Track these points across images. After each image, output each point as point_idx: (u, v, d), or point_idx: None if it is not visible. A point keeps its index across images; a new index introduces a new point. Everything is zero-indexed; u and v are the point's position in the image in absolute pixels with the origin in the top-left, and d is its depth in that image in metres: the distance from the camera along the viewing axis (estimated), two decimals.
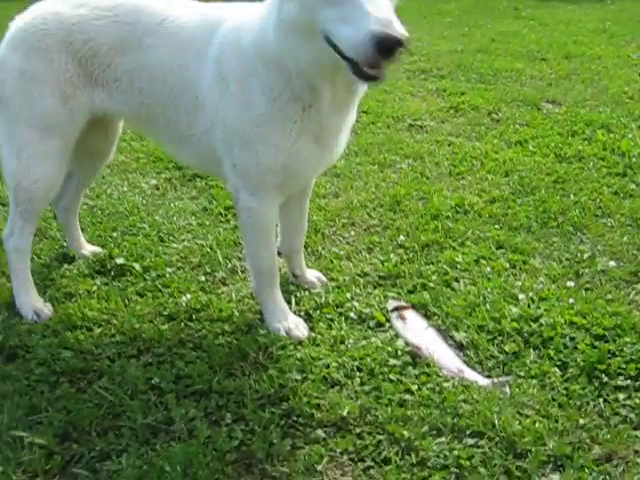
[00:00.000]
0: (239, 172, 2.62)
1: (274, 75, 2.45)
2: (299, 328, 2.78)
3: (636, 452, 2.20)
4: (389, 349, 2.64)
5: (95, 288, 3.13)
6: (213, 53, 2.57)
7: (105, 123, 3.01)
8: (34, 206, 2.92)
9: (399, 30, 2.01)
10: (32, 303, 2.98)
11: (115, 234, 3.63)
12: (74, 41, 2.72)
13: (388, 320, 2.84)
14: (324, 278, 3.13)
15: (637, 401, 2.39)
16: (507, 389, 2.44)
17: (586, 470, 2.11)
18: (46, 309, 2.98)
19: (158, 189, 4.22)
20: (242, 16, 2.59)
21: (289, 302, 2.93)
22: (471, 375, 2.52)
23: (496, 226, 3.61)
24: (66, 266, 3.35)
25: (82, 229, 3.63)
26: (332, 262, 3.28)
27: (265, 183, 2.61)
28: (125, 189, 4.24)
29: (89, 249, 3.44)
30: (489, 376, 2.53)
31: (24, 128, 2.79)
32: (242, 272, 3.24)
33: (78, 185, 3.36)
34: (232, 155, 2.60)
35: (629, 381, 2.48)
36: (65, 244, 3.51)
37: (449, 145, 4.80)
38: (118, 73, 2.74)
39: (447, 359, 2.59)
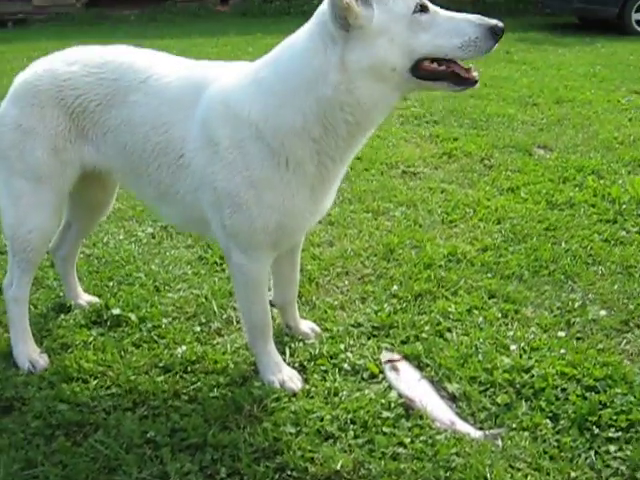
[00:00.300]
0: (230, 233, 2.64)
1: (281, 142, 2.47)
2: (293, 380, 2.80)
3: None
4: (382, 401, 2.67)
5: (91, 339, 3.16)
6: (200, 115, 2.61)
7: (102, 176, 3.05)
8: (30, 256, 2.96)
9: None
10: (29, 354, 3.01)
11: (111, 283, 3.67)
12: (65, 97, 2.80)
13: (381, 371, 2.87)
14: (318, 329, 3.16)
15: (628, 453, 2.41)
16: (499, 441, 2.47)
17: None
18: (42, 360, 3.00)
19: (154, 237, 4.27)
20: (230, 78, 2.63)
21: (283, 353, 2.96)
22: (463, 427, 2.55)
23: (488, 275, 3.65)
24: (63, 316, 3.38)
25: (79, 278, 3.66)
26: (326, 312, 3.32)
27: (258, 243, 2.63)
28: (122, 237, 4.28)
29: (86, 299, 3.47)
30: (481, 428, 2.56)
31: (19, 179, 2.86)
32: (237, 322, 3.27)
33: (77, 235, 3.41)
34: (222, 217, 2.62)
35: (620, 433, 2.50)
36: (62, 294, 3.54)
37: (442, 192, 4.86)
38: (105, 128, 2.80)
39: (440, 411, 2.62)
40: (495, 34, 2.34)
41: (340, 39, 2.31)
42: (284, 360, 2.92)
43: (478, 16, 2.38)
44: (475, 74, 2.44)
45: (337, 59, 2.33)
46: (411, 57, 2.34)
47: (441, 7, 2.42)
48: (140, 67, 2.78)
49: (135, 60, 2.81)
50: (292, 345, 3.05)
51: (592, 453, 2.42)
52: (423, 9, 2.34)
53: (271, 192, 2.53)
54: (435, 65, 2.37)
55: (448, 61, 2.38)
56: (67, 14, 17.10)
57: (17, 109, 2.84)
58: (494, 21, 2.35)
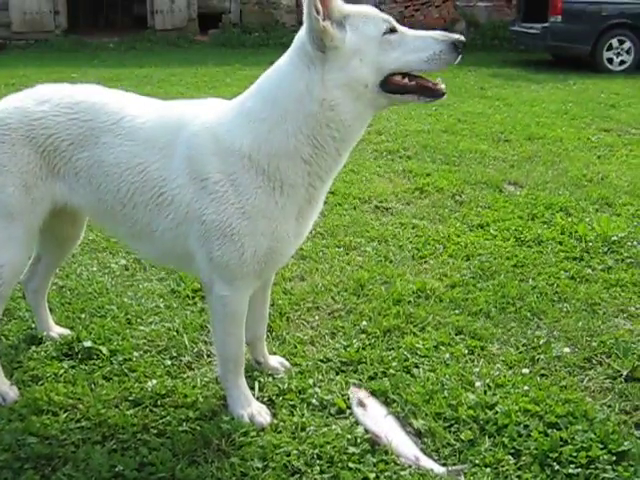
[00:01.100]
0: (218, 264, 2.68)
1: (276, 166, 2.58)
2: (262, 414, 2.84)
3: None
4: (349, 436, 2.72)
5: (62, 371, 3.18)
6: (182, 152, 2.67)
7: (73, 212, 3.08)
8: (1, 290, 2.96)
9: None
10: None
11: (83, 315, 3.69)
12: (36, 136, 2.83)
13: (349, 407, 2.91)
14: (287, 363, 3.21)
15: None
16: (462, 478, 2.52)
17: None
18: (12, 392, 3.02)
19: (127, 269, 4.30)
20: (212, 115, 2.70)
21: (252, 388, 3.00)
22: (427, 463, 2.60)
23: (456, 311, 3.72)
24: (34, 348, 3.40)
25: (51, 309, 3.69)
26: (296, 347, 3.37)
27: (246, 272, 2.69)
28: (95, 269, 4.31)
29: (57, 331, 3.49)
30: (445, 464, 2.60)
31: None
32: (208, 356, 3.31)
33: (47, 268, 3.44)
34: (210, 249, 2.66)
35: (580, 469, 2.56)
36: (34, 325, 3.56)
37: (413, 228, 4.94)
38: (77, 168, 2.84)
39: (404, 447, 2.67)
40: (457, 47, 2.53)
41: (318, 60, 2.48)
42: (253, 394, 2.96)
43: (442, 32, 2.57)
44: (442, 86, 2.60)
45: (319, 77, 2.48)
46: (381, 73, 2.51)
47: None
48: (112, 108, 2.84)
49: (107, 101, 2.87)
50: (261, 379, 3.10)
51: None
52: (392, 30, 2.52)
53: (264, 219, 2.61)
54: (406, 80, 2.55)
55: (416, 76, 2.57)
56: (46, 41, 17.16)
57: None
58: (456, 36, 2.55)
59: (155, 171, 2.72)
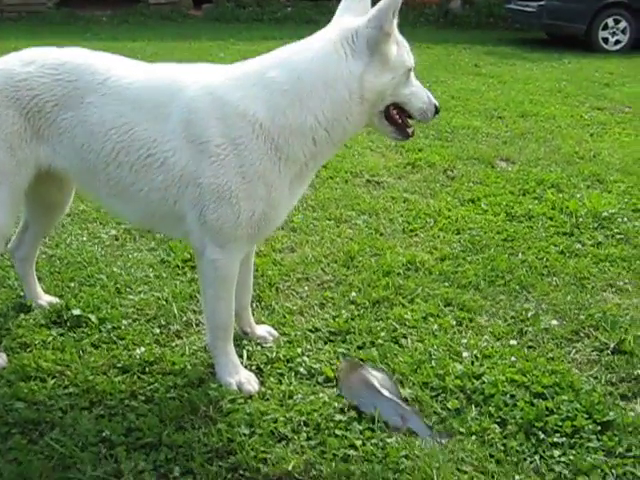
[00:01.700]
0: (211, 227, 2.69)
1: (286, 140, 2.62)
2: (250, 382, 2.85)
3: None
4: (336, 404, 2.73)
5: (51, 339, 3.18)
6: (179, 115, 2.67)
7: (58, 176, 3.07)
8: None
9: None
10: None
11: (73, 284, 3.68)
12: (21, 97, 2.82)
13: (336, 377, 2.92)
14: (275, 332, 3.21)
15: (571, 458, 2.49)
16: (444, 441, 2.54)
17: None
18: (0, 359, 3.02)
19: (117, 240, 4.29)
20: (215, 81, 2.71)
21: (241, 356, 3.01)
22: (414, 424, 2.62)
23: (445, 283, 3.73)
24: (23, 316, 3.39)
25: (40, 278, 3.69)
26: (285, 317, 3.37)
27: (239, 235, 2.71)
28: (85, 239, 4.30)
29: (46, 299, 3.49)
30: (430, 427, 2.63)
31: None
32: (196, 325, 3.31)
33: (35, 236, 3.43)
34: (203, 212, 2.68)
35: (564, 438, 2.58)
36: (22, 293, 3.56)
37: (404, 202, 4.94)
38: (62, 129, 2.83)
39: (389, 410, 2.68)
40: (436, 112, 2.82)
41: (364, 56, 2.58)
42: (241, 363, 2.96)
43: (430, 94, 2.79)
44: (412, 129, 2.85)
45: (359, 73, 2.58)
46: (394, 98, 2.70)
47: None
48: (98, 69, 2.83)
49: (93, 62, 2.86)
50: (249, 348, 3.10)
51: (537, 457, 2.50)
52: (412, 69, 2.73)
53: (263, 185, 2.64)
54: (397, 115, 2.75)
55: (404, 116, 2.78)
56: (38, 13, 17.00)
57: None
58: (436, 102, 2.81)
59: (143, 132, 2.71)
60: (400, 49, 2.65)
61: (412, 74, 2.73)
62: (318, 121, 2.60)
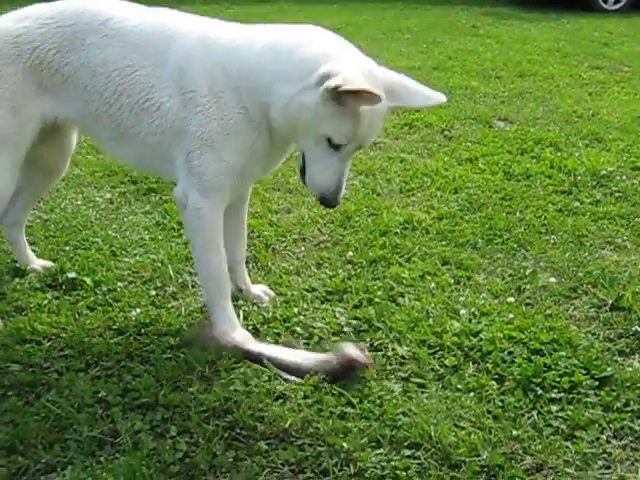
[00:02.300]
0: (196, 173, 2.71)
1: (260, 110, 2.63)
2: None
3: (566, 462, 2.28)
4: None
5: (46, 302, 3.15)
6: (174, 63, 2.68)
7: (59, 136, 3.07)
8: None
9: (339, 198, 2.69)
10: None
11: (68, 248, 3.66)
12: (21, 52, 2.79)
13: (334, 334, 2.91)
14: (272, 292, 3.19)
15: (569, 413, 2.48)
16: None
17: None
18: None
19: (112, 203, 4.26)
20: (212, 34, 2.72)
21: (238, 316, 2.99)
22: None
23: (443, 242, 3.70)
24: (17, 280, 3.37)
25: (35, 242, 3.67)
26: (281, 277, 3.35)
27: (220, 184, 2.73)
28: (79, 203, 4.26)
29: (39, 263, 3.46)
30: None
31: None
32: (192, 287, 3.29)
33: (27, 200, 3.39)
34: (190, 157, 2.70)
35: (562, 394, 2.57)
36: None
37: (401, 162, 4.90)
38: (65, 76, 2.81)
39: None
40: (321, 202, 2.72)
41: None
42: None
43: (334, 188, 2.65)
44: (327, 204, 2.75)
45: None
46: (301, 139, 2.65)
47: None
48: (97, 11, 2.81)
49: (90, 6, 2.84)
50: (246, 308, 3.08)
51: (535, 413, 2.49)
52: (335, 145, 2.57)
53: (241, 138, 2.66)
54: None
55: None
56: None
57: None
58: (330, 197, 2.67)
59: (144, 76, 2.72)
60: (345, 120, 2.47)
61: (337, 152, 2.55)
62: (285, 107, 2.55)
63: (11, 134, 2.83)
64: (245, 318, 3.02)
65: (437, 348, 2.83)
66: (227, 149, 2.67)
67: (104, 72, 2.76)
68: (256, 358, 2.73)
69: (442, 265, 3.48)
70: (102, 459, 2.27)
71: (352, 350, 2.65)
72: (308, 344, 2.86)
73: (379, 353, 2.81)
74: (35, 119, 2.86)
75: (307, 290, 3.24)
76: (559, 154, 5.06)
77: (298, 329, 2.94)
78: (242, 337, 2.84)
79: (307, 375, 2.61)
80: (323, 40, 2.61)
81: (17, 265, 3.47)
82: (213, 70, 2.64)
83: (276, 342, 2.87)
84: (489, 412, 2.48)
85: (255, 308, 3.09)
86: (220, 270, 2.87)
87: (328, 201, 2.67)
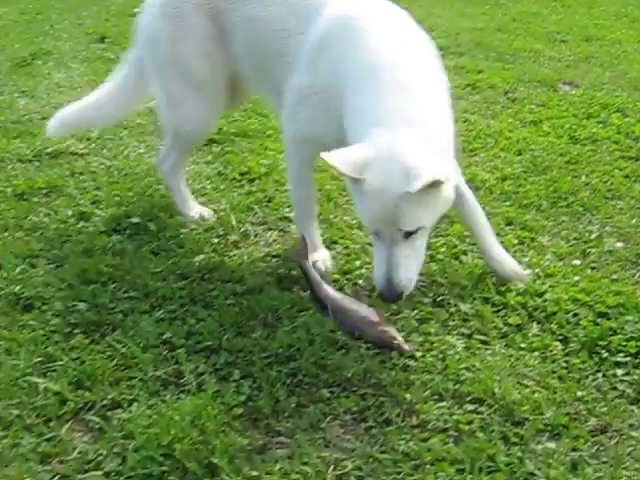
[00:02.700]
0: None
1: None
2: (325, 262, 2.97)
3: (630, 425, 2.26)
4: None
5: (110, 245, 3.20)
6: (319, 30, 2.81)
7: (238, 83, 3.30)
8: (190, 146, 3.52)
9: (402, 284, 2.44)
10: (196, 209, 3.44)
11: (131, 194, 3.69)
12: (205, 3, 3.02)
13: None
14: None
15: (635, 377, 2.44)
16: None
17: (581, 440, 2.18)
18: (206, 212, 3.44)
19: None
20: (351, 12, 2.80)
21: None
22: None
23: (506, 203, 3.65)
24: (82, 223, 3.42)
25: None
26: (343, 230, 3.34)
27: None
28: (142, 151, 4.29)
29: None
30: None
31: (179, 86, 3.21)
32: (254, 236, 3.31)
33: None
34: None
35: (628, 358, 2.53)
36: (82, 202, 3.58)
37: (464, 122, 4.82)
38: (237, 27, 3.02)
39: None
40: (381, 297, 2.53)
41: None
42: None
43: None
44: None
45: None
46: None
47: None
48: None
49: None
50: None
51: (599, 375, 2.45)
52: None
53: None
54: None
55: None
56: None
57: (167, 23, 3.13)
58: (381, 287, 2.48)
59: (294, 42, 2.88)
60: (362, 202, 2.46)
61: (379, 240, 2.47)
62: None
63: (208, 77, 3.12)
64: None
65: (501, 306, 2.80)
66: None
67: (269, 28, 2.94)
68: (321, 298, 2.75)
69: (506, 225, 3.43)
70: (167, 398, 2.30)
71: (395, 332, 2.61)
72: (370, 297, 2.85)
73: (441, 309, 2.79)
74: (223, 67, 3.11)
75: (369, 244, 3.21)
76: (626, 119, 4.92)
77: (360, 282, 2.94)
78: (321, 255, 3.00)
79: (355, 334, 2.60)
80: None
81: (81, 209, 3.52)
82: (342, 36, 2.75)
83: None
84: (553, 372, 2.46)
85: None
86: (299, 199, 3.10)
87: (383, 295, 2.48)
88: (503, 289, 2.88)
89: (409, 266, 2.43)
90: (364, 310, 2.66)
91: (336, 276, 2.98)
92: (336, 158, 2.35)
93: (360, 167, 2.36)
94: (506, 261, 2.97)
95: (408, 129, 2.40)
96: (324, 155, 2.35)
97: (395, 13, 2.82)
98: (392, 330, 2.58)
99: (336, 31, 2.75)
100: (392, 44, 2.65)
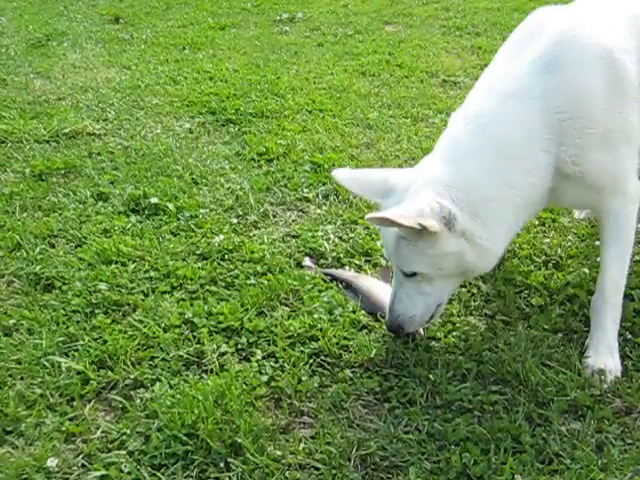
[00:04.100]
0: None
1: None
2: None
3: None
4: None
5: (130, 225, 3.20)
6: None
7: None
8: None
9: (400, 318, 2.36)
10: None
11: (149, 174, 3.69)
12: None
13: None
14: None
15: None
16: None
17: (606, 421, 2.16)
18: None
19: (192, 132, 4.26)
20: None
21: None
22: None
23: None
24: (101, 203, 3.42)
25: (117, 168, 3.70)
26: (363, 211, 3.31)
27: None
28: (159, 131, 4.28)
29: None
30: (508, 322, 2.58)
31: None
32: (273, 217, 3.29)
33: None
34: None
35: None
36: (100, 182, 3.58)
37: None
38: None
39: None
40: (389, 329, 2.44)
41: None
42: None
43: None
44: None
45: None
46: None
47: None
48: None
49: None
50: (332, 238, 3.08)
51: (624, 357, 2.43)
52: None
53: None
54: None
55: None
56: None
57: None
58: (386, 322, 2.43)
59: None
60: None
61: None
62: None
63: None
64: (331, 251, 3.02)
65: (523, 287, 2.78)
66: None
67: None
68: (344, 281, 2.75)
69: None
70: (189, 378, 2.30)
71: None
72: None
73: (463, 289, 2.77)
74: None
75: None
76: None
77: (382, 261, 2.92)
78: None
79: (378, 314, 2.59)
80: None
81: (100, 189, 3.52)
82: None
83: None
84: (577, 353, 2.44)
85: (337, 240, 3.07)
86: None
87: (387, 324, 2.43)
88: (525, 270, 2.86)
89: (411, 303, 2.34)
90: (387, 290, 2.65)
91: (357, 256, 2.96)
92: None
93: (382, 193, 2.30)
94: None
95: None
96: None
97: None
98: None
99: None
100: None
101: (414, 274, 2.29)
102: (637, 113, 2.37)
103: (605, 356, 2.41)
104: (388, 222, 2.12)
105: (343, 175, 2.36)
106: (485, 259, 2.29)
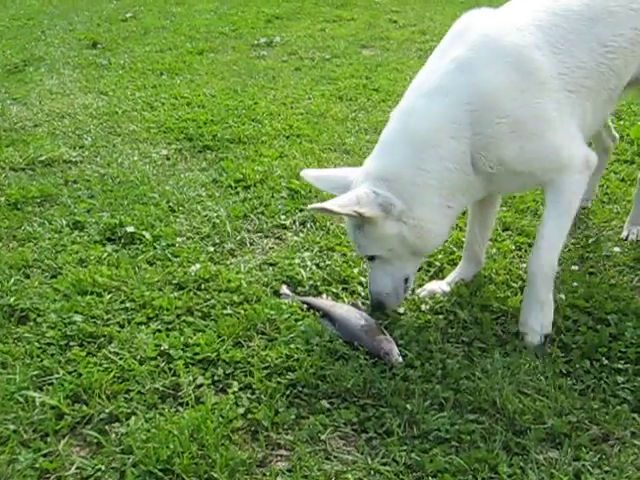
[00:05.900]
0: None
1: None
2: None
3: (633, 433, 2.24)
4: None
5: (105, 255, 3.18)
6: None
7: None
8: None
9: (375, 296, 2.74)
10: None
11: (125, 202, 3.67)
12: None
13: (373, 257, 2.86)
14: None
15: (636, 384, 2.42)
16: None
17: (583, 449, 2.16)
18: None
19: (168, 159, 4.26)
20: None
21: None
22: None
23: (504, 208, 3.63)
24: (77, 232, 3.40)
25: (93, 196, 3.68)
26: (340, 237, 3.32)
27: None
28: (136, 158, 4.27)
29: None
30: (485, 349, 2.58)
31: None
32: (250, 244, 3.28)
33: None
34: None
35: (629, 365, 2.51)
36: (76, 211, 3.56)
37: None
38: None
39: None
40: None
41: None
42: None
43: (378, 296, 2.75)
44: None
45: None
46: None
47: None
48: None
49: None
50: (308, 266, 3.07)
51: (600, 383, 2.44)
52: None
53: None
54: None
55: None
56: None
57: None
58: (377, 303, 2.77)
59: None
60: None
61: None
62: None
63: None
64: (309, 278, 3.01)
65: (500, 314, 2.79)
66: None
67: None
68: (320, 306, 2.78)
69: (503, 231, 3.42)
70: (165, 411, 2.28)
71: (388, 343, 2.58)
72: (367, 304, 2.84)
73: (440, 316, 2.77)
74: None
75: None
76: (621, 123, 4.91)
77: (359, 289, 2.92)
78: None
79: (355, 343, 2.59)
80: None
81: (76, 218, 3.50)
82: None
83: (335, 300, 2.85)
84: (554, 380, 2.44)
85: (314, 268, 3.07)
86: None
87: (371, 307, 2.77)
88: (502, 296, 2.87)
89: (383, 283, 2.71)
90: (363, 319, 2.65)
91: (334, 284, 2.96)
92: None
93: (343, 187, 2.68)
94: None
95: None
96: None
97: None
98: (386, 340, 2.56)
99: None
100: None
101: (373, 257, 2.66)
102: (562, 100, 2.60)
103: (536, 312, 2.65)
104: (328, 211, 2.53)
105: (310, 174, 2.81)
106: (425, 238, 2.61)
